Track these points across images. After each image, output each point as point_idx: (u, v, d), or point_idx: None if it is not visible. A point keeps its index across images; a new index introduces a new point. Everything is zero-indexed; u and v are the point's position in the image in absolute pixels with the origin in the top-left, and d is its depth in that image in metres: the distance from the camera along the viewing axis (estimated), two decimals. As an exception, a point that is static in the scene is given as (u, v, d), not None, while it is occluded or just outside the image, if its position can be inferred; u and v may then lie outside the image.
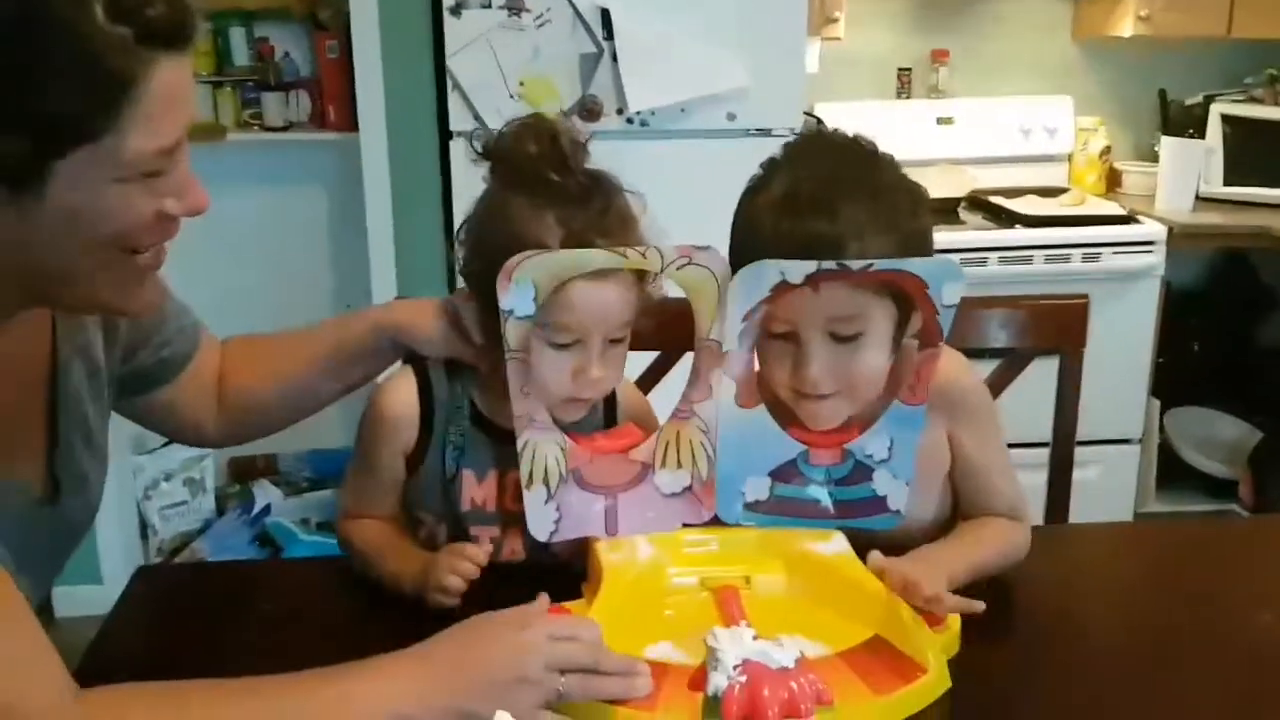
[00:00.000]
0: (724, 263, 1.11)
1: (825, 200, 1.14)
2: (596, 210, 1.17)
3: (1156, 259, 3.06)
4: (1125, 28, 3.23)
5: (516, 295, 1.06)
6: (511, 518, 1.27)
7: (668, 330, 1.23)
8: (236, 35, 3.20)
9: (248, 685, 0.92)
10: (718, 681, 0.94)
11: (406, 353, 1.29)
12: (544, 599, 1.03)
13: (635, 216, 1.20)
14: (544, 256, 1.06)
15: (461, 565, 1.14)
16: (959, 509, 1.33)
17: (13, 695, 0.84)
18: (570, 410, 1.20)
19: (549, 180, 1.17)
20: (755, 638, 0.97)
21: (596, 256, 1.08)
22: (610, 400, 1.32)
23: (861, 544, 1.17)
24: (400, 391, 1.28)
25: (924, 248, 1.20)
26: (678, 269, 1.10)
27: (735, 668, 0.94)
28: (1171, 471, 3.37)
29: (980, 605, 1.09)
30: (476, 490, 1.28)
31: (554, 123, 1.22)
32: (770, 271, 1.09)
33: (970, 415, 1.29)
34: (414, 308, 1.28)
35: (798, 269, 1.09)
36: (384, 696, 0.92)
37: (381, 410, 1.27)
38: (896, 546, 1.18)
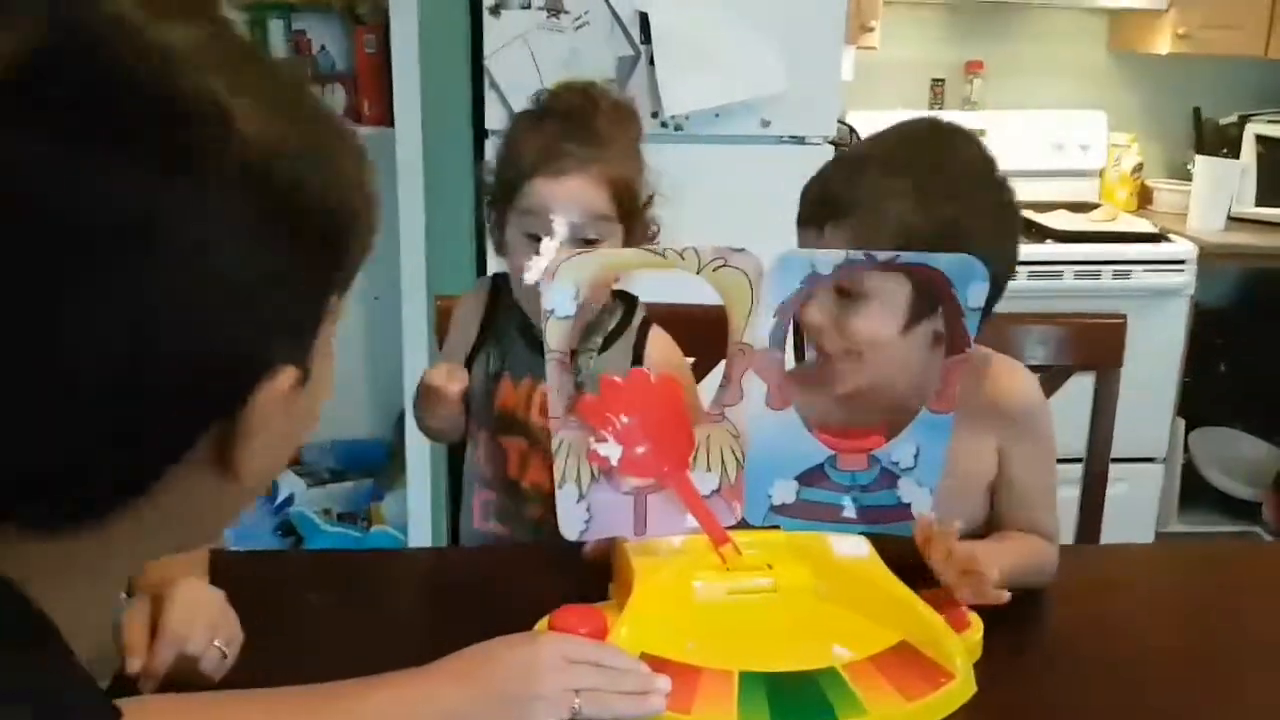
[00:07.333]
0: (758, 265, 1.12)
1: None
2: (577, 123, 1.34)
3: (1187, 278, 3.05)
4: (1163, 45, 3.22)
5: (558, 295, 1.06)
6: (538, 433, 1.38)
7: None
8: (275, 27, 3.22)
9: (268, 704, 0.91)
10: None
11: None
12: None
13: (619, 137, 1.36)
14: (584, 257, 1.08)
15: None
16: (991, 521, 1.34)
17: None
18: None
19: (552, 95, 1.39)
20: None
21: (635, 257, 1.10)
22: (639, 351, 1.42)
23: (885, 551, 1.18)
24: (470, 296, 1.49)
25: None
26: (713, 270, 1.11)
27: None
28: (1194, 491, 3.35)
29: (1006, 596, 1.11)
30: (510, 394, 1.37)
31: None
32: (800, 262, 1.11)
33: (1026, 435, 1.32)
34: None
35: (826, 260, 1.12)
36: (397, 709, 0.91)
37: (454, 308, 1.51)
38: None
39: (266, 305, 0.54)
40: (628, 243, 1.35)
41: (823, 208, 1.25)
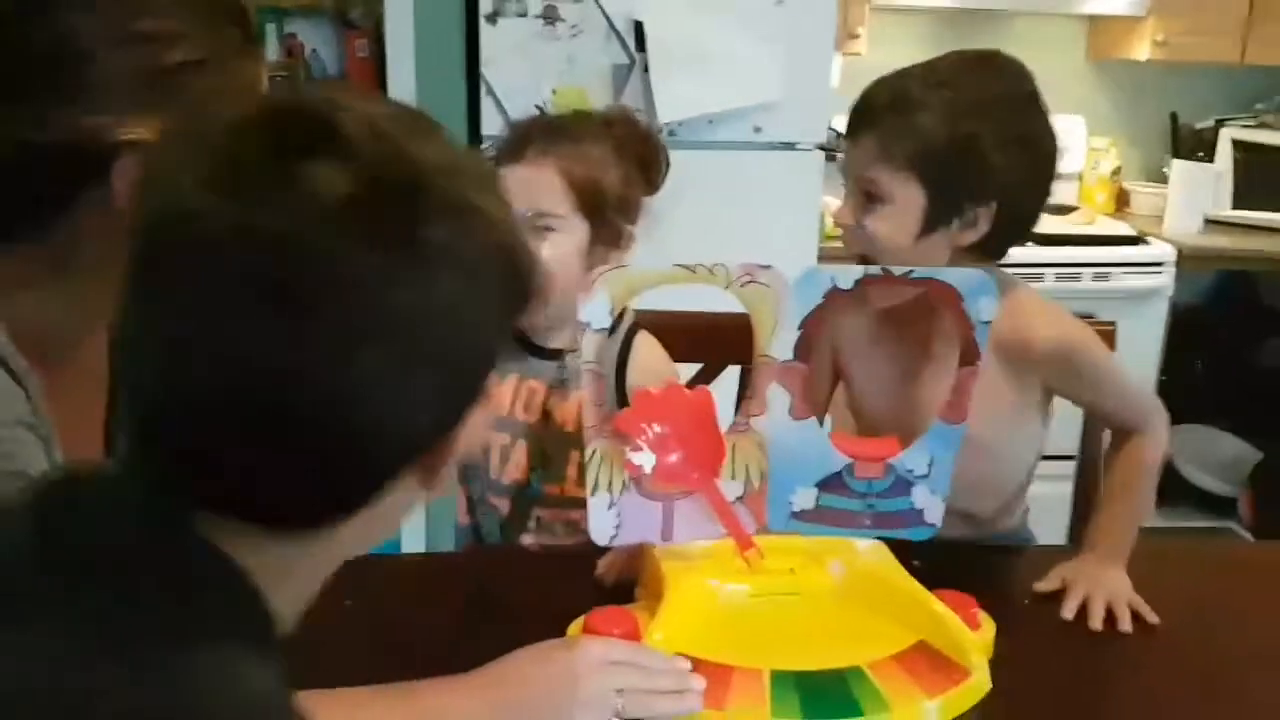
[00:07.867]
0: (784, 281, 1.16)
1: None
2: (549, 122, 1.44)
3: (1166, 280, 3.12)
4: (1141, 51, 3.29)
5: (595, 307, 1.10)
6: (519, 429, 1.43)
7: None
8: (267, 31, 3.23)
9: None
10: None
11: None
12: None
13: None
14: (621, 271, 1.12)
15: None
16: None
17: None
18: None
19: None
20: None
21: (668, 272, 1.13)
22: (624, 354, 1.42)
23: (900, 554, 1.23)
24: None
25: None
26: (741, 285, 1.15)
27: None
28: (1172, 488, 3.41)
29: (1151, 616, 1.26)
30: (495, 390, 1.36)
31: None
32: (822, 278, 1.15)
33: (1076, 367, 1.41)
34: None
35: (847, 275, 1.15)
36: (451, 716, 0.95)
37: None
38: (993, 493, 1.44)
39: (494, 355, 0.68)
40: (594, 244, 1.39)
41: (857, 116, 1.35)
